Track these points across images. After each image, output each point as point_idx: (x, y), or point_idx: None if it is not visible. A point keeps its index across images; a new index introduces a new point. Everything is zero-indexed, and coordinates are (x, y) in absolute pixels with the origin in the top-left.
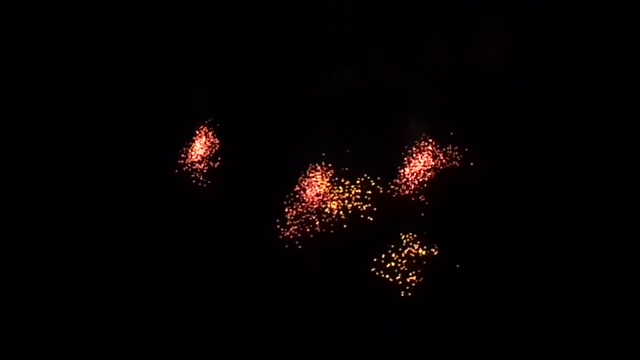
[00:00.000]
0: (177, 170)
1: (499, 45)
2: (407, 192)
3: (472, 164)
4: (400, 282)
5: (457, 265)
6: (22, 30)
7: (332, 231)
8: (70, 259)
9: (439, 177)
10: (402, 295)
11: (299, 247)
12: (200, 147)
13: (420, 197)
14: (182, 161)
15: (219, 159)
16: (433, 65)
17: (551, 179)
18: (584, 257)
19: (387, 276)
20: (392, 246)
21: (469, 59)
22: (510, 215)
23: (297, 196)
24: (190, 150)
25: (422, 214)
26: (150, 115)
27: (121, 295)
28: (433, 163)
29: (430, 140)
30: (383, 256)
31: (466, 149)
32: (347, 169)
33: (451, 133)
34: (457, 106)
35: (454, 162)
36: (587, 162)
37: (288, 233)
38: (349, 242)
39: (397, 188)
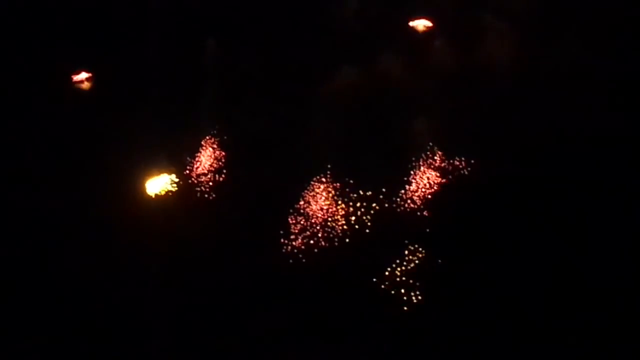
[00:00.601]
0: (180, 181)
1: (507, 50)
2: (411, 204)
3: (477, 175)
4: (403, 293)
5: (460, 276)
6: None
7: (336, 243)
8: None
9: (444, 189)
10: (404, 306)
11: (303, 259)
12: (205, 158)
13: (424, 210)
14: (188, 172)
15: (224, 170)
16: (439, 71)
17: (555, 188)
18: (587, 269)
19: (390, 286)
20: (397, 258)
21: (476, 64)
22: (514, 226)
23: (302, 208)
24: (195, 161)
25: (426, 225)
26: (153, 123)
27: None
28: (438, 174)
29: (436, 151)
30: (387, 267)
31: (472, 161)
32: (351, 180)
33: (456, 144)
34: (462, 116)
35: (458, 173)
36: (592, 173)
37: (292, 244)
38: (353, 254)
39: (401, 200)
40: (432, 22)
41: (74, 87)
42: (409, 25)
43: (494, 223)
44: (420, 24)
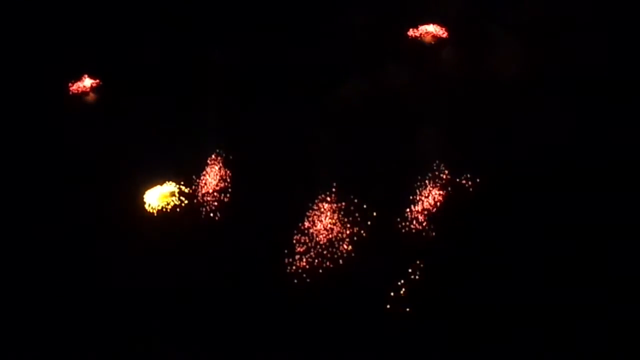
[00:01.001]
0: (182, 194)
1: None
2: (417, 224)
3: (482, 195)
4: (408, 314)
5: (469, 296)
6: None
7: (340, 262)
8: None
9: (449, 207)
10: (409, 328)
11: (308, 280)
12: (207, 171)
13: (433, 229)
14: (191, 191)
15: (229, 189)
16: (448, 82)
17: (571, 204)
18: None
19: (396, 307)
20: (405, 279)
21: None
22: (529, 245)
23: (306, 227)
24: (196, 171)
25: (436, 245)
26: (158, 146)
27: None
28: (443, 193)
29: (442, 169)
30: (394, 287)
31: (478, 179)
32: (356, 199)
33: (461, 161)
34: (472, 131)
35: (464, 192)
36: (611, 189)
37: (297, 264)
38: (356, 274)
39: (408, 219)
40: (443, 30)
41: (75, 94)
42: (417, 34)
43: (507, 244)
44: (430, 32)
